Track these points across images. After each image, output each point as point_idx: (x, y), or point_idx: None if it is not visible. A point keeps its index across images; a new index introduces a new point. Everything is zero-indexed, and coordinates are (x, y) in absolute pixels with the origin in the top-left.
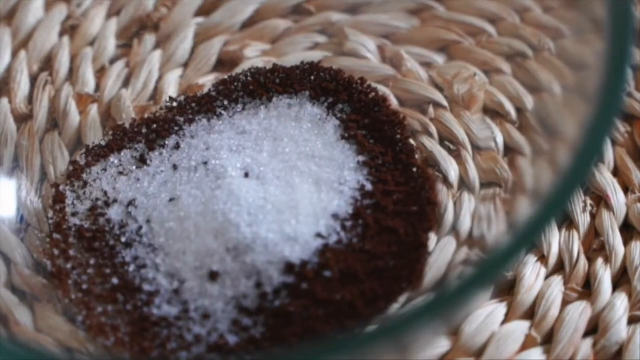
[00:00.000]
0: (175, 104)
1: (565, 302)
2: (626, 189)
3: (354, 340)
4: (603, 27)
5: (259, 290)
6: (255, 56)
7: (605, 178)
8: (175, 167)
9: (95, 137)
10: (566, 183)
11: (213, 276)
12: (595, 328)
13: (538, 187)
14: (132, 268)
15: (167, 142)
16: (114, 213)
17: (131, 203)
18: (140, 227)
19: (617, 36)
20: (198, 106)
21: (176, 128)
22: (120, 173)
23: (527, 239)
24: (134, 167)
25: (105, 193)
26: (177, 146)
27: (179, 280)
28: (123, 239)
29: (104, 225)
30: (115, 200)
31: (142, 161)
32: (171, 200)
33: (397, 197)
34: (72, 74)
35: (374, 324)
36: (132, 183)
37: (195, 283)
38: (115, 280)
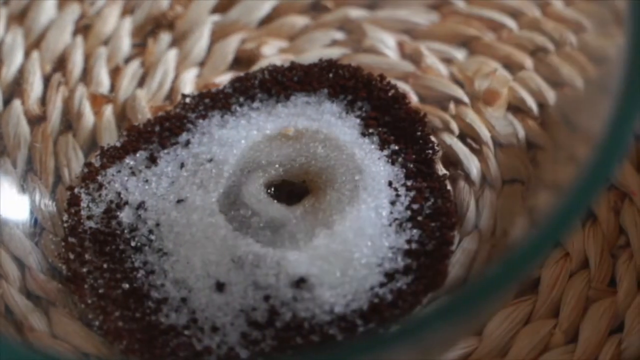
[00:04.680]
0: (188, 100)
1: (590, 300)
2: None
3: (377, 342)
4: (624, 19)
5: (268, 303)
6: (272, 54)
7: (630, 174)
8: (182, 165)
9: (110, 138)
10: (590, 179)
11: (219, 287)
12: (620, 326)
13: (561, 183)
14: (141, 273)
15: (179, 140)
16: (125, 216)
17: (141, 205)
18: (151, 231)
19: (639, 29)
20: (212, 102)
21: (189, 125)
22: (133, 174)
23: (551, 236)
24: (144, 167)
25: (119, 195)
26: (187, 143)
27: (186, 288)
28: (133, 243)
29: (116, 228)
30: (126, 203)
31: (151, 160)
32: (179, 201)
33: (421, 194)
34: (86, 74)
35: (397, 324)
36: (141, 184)
37: (202, 293)
38: (125, 285)
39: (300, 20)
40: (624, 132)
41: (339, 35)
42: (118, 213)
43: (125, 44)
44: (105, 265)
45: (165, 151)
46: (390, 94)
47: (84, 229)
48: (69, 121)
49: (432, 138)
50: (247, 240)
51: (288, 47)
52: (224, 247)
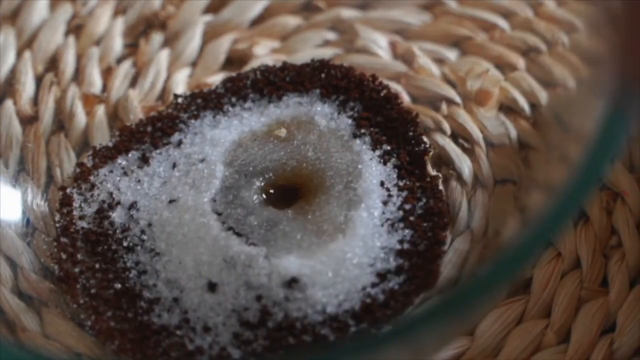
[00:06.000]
0: (180, 100)
1: (582, 301)
2: None
3: (369, 342)
4: (617, 19)
5: (260, 303)
6: (264, 54)
7: (622, 174)
8: (174, 165)
9: (102, 138)
10: (582, 179)
11: (211, 287)
12: (612, 326)
13: (553, 183)
14: (133, 274)
15: (171, 140)
16: (117, 216)
17: (133, 205)
18: (143, 231)
19: (631, 29)
20: (204, 102)
21: (181, 125)
22: (125, 174)
23: (543, 236)
24: (136, 167)
25: (111, 195)
26: (179, 143)
27: (178, 289)
28: (125, 243)
29: (108, 228)
30: (118, 203)
31: (143, 160)
32: (171, 201)
33: (413, 194)
34: (78, 75)
35: (389, 324)
36: (133, 184)
37: (194, 293)
38: (117, 286)
39: (292, 21)
40: (616, 132)
41: (331, 36)
42: (110, 213)
43: (117, 44)
44: (97, 266)
45: (158, 151)
46: (382, 94)
47: (76, 229)
48: (61, 121)
49: (424, 138)
50: (239, 240)
51: (280, 47)
52: (216, 247)
